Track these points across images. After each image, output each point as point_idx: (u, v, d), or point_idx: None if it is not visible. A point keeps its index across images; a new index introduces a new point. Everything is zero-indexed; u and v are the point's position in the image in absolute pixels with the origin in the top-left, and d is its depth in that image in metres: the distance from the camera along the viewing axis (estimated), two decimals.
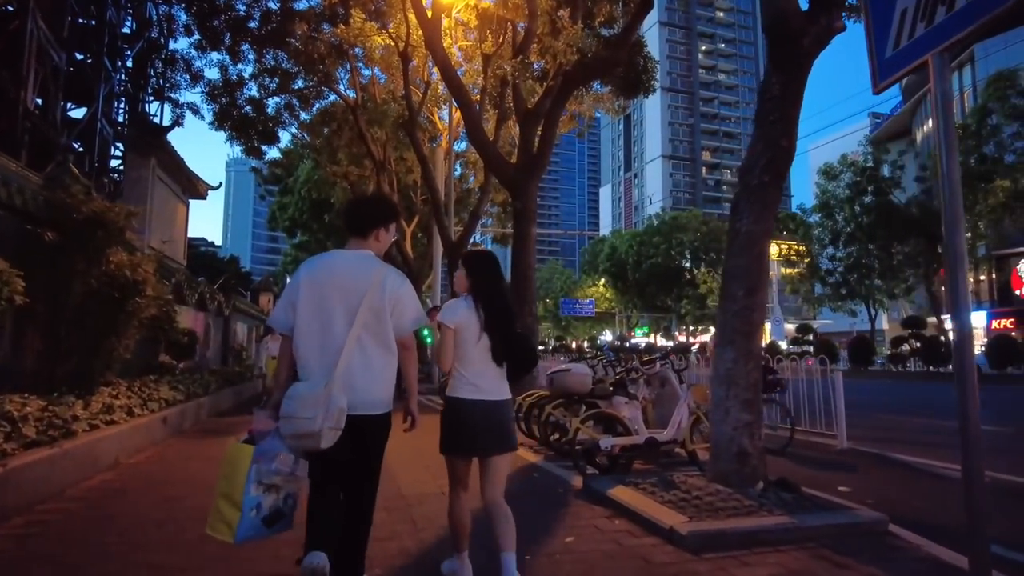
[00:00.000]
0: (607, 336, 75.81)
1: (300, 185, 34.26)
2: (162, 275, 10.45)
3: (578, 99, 21.11)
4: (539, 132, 10.54)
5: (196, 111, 20.79)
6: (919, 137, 51.95)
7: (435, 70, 19.05)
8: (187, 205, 14.31)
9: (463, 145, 27.06)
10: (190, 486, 4.96)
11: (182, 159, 13.73)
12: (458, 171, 27.93)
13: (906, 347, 27.57)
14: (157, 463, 5.92)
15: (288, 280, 2.89)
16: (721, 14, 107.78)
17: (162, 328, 10.05)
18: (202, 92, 20.19)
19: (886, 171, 38.84)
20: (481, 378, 2.85)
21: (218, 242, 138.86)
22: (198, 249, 59.87)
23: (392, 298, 2.58)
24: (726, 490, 4.14)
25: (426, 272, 26.02)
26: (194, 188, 13.90)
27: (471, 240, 18.57)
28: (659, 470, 5.40)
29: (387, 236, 2.76)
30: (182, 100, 21.00)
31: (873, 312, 42.05)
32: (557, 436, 6.52)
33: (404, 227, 26.52)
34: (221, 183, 15.30)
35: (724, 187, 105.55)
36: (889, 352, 28.08)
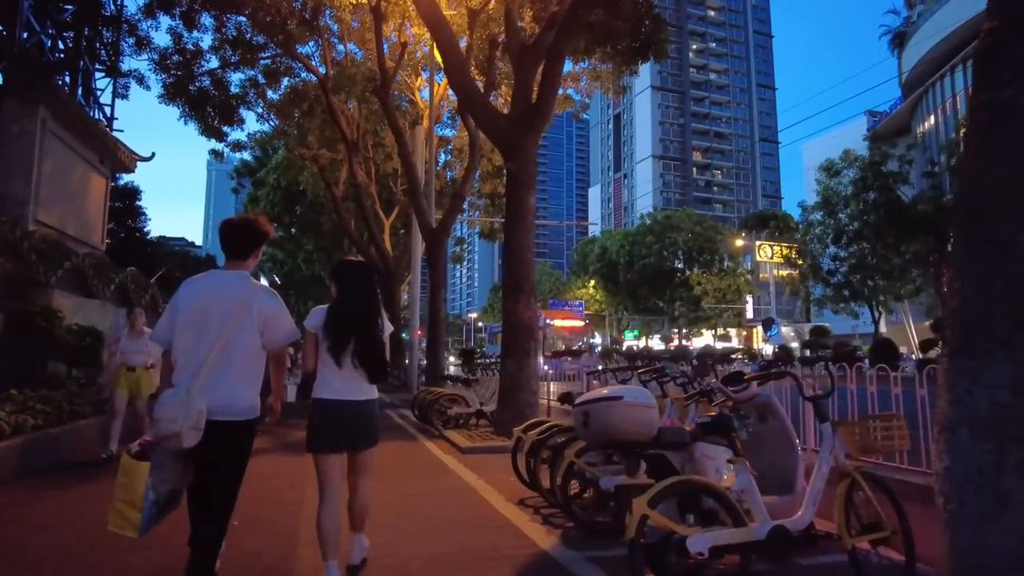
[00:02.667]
0: (596, 339, 73.52)
1: (269, 174, 31.67)
2: (42, 255, 7.94)
3: (575, 76, 18.92)
4: (539, 74, 8.15)
5: (141, 80, 18.33)
6: (919, 134, 50.44)
7: (412, 30, 16.67)
8: (107, 178, 11.76)
9: (451, 132, 24.73)
10: None
11: (88, 114, 11.19)
12: (442, 160, 25.56)
13: (937, 351, 25.34)
14: None
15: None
16: (712, 13, 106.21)
17: (37, 325, 7.52)
18: (148, 59, 17.73)
19: (892, 167, 36.93)
20: (339, 379, 3.06)
21: (199, 242, 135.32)
22: (172, 248, 57.35)
23: (262, 315, 2.78)
24: None
25: (404, 272, 23.23)
26: (116, 157, 11.35)
27: (452, 229, 16.20)
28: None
29: (259, 252, 2.99)
30: (126, 68, 18.30)
31: (877, 314, 40.05)
32: (580, 490, 4.18)
33: (383, 220, 24.08)
34: (154, 154, 12.78)
35: (715, 188, 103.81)
36: (918, 356, 25.86)
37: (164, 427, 2.47)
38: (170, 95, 18.08)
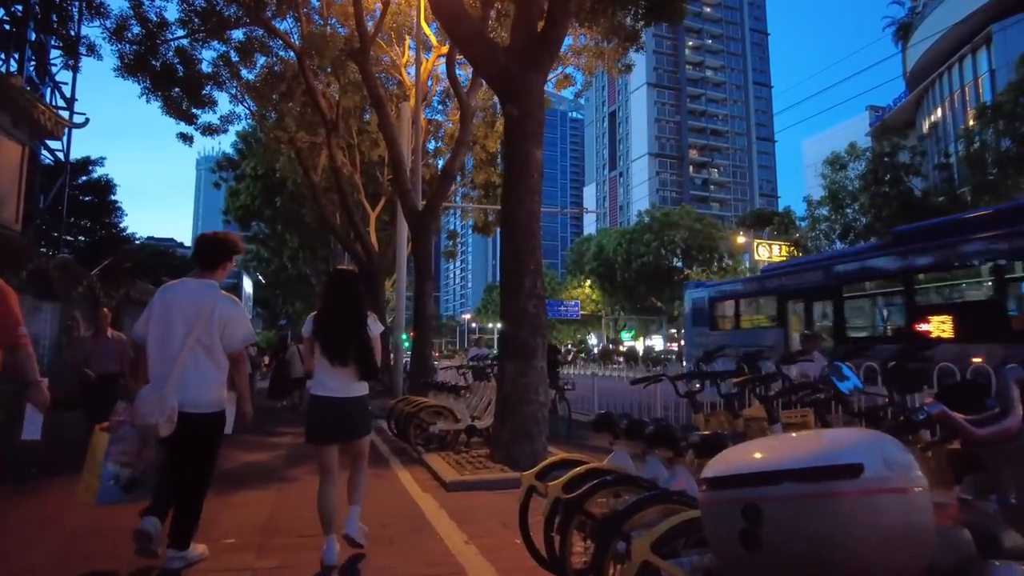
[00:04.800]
0: (592, 340, 71.79)
1: (247, 164, 29.77)
2: None
3: (576, 50, 17.24)
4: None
5: (93, 49, 16.47)
6: (926, 128, 48.95)
7: None
8: (25, 146, 9.88)
9: (441, 117, 22.92)
10: None
11: None
12: (431, 147, 23.76)
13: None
14: None
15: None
16: (708, 9, 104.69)
17: None
18: (101, 26, 15.87)
19: (902, 159, 35.42)
20: (331, 379, 3.41)
21: (188, 243, 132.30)
22: (157, 247, 55.38)
23: (222, 321, 3.21)
24: None
25: (391, 267, 20.98)
26: (34, 121, 9.47)
27: (441, 212, 14.33)
28: None
29: (231, 266, 3.44)
30: (78, 36, 16.48)
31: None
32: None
33: (368, 211, 22.23)
34: (88, 119, 10.96)
35: (711, 186, 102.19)
36: None
37: (144, 418, 2.96)
38: (127, 69, 16.28)
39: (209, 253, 3.32)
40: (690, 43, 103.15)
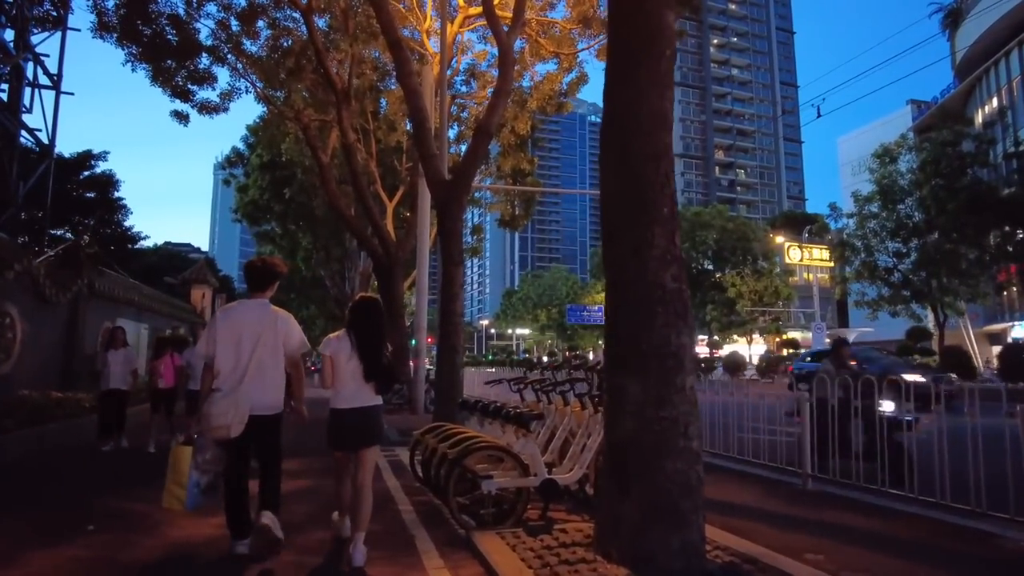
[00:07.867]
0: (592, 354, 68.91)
1: (254, 153, 27.60)
2: None
3: None
4: None
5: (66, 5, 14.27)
6: (978, 119, 45.76)
7: None
8: None
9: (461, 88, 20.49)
10: None
11: None
12: (453, 133, 21.33)
13: None
14: None
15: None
16: (734, 6, 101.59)
17: None
18: None
19: (967, 148, 32.40)
20: (351, 391, 3.80)
21: (204, 247, 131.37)
22: (170, 251, 53.82)
23: (282, 331, 3.77)
24: None
25: (409, 260, 18.26)
26: None
27: (473, 185, 11.72)
28: None
29: (276, 285, 3.95)
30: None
31: (942, 317, 35.12)
32: None
33: (386, 202, 19.85)
34: (36, 64, 8.57)
35: (738, 188, 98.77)
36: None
37: (216, 420, 3.37)
38: (105, 28, 14.17)
39: (258, 277, 3.85)
40: (715, 41, 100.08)
